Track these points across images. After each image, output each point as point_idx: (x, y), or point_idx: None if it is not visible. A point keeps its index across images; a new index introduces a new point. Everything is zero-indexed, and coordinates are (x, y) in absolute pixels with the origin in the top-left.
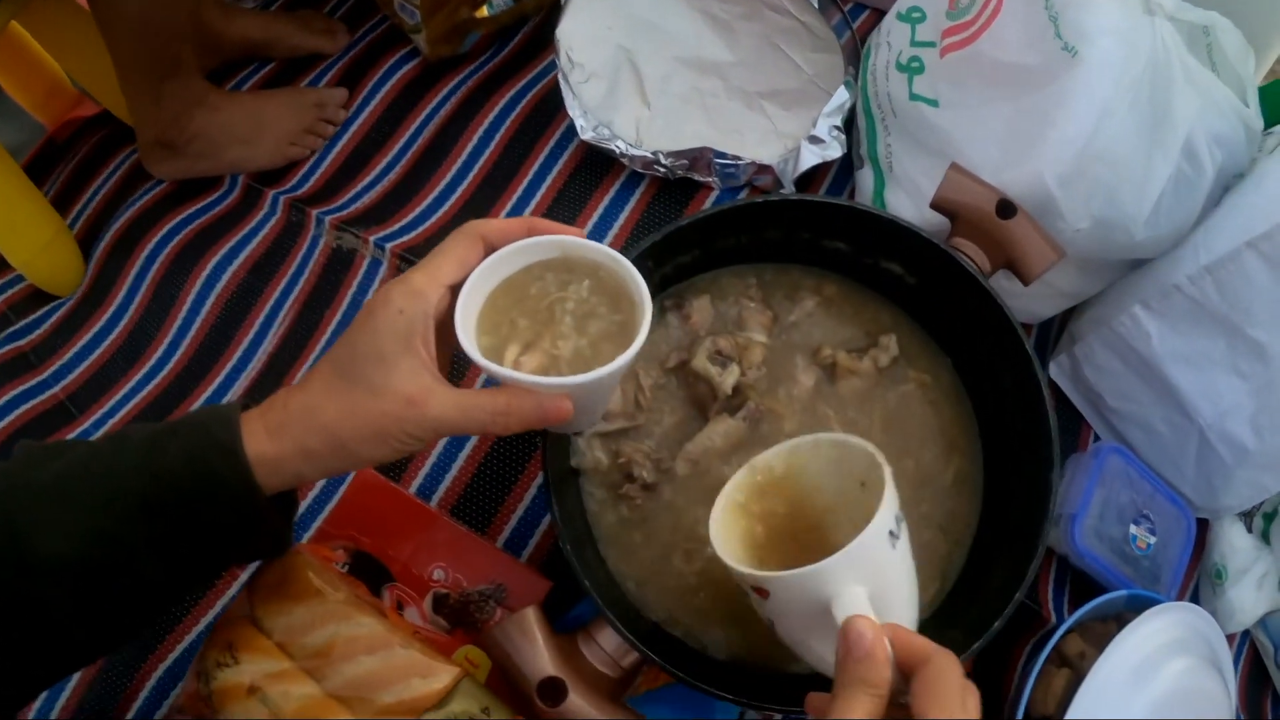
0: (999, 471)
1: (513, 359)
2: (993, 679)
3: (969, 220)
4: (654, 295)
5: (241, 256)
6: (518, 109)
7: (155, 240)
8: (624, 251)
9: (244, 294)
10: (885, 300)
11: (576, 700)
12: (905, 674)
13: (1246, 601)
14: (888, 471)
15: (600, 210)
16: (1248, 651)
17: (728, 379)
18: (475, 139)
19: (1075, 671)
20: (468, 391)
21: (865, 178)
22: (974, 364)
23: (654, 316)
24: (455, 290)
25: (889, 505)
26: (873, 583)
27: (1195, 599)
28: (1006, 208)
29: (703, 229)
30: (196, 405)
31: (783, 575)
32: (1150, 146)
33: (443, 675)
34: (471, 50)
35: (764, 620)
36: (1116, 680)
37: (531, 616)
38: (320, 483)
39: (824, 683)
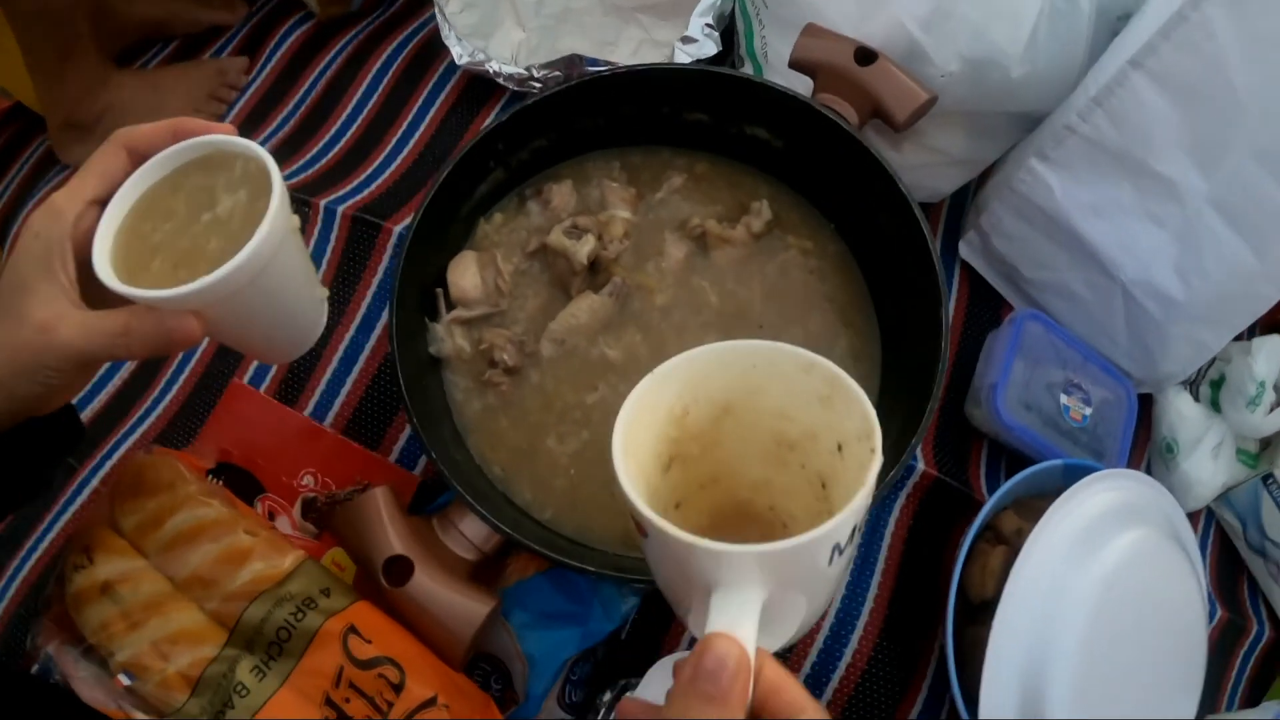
0: (895, 336)
1: (155, 275)
2: (934, 571)
3: (830, 75)
4: (514, 184)
5: None
6: (403, 55)
7: None
8: (469, 141)
9: None
10: (760, 172)
11: (423, 579)
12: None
13: (1204, 473)
14: (877, 444)
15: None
16: (1214, 535)
17: (582, 249)
18: (361, 89)
19: (1012, 548)
20: (96, 313)
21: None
22: (857, 225)
23: (514, 205)
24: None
25: (852, 512)
26: (778, 592)
27: None
28: (865, 54)
29: (551, 107)
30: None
31: (665, 528)
32: None
33: (285, 559)
34: (362, 7)
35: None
36: (1057, 551)
37: (379, 496)
38: (187, 391)
39: None
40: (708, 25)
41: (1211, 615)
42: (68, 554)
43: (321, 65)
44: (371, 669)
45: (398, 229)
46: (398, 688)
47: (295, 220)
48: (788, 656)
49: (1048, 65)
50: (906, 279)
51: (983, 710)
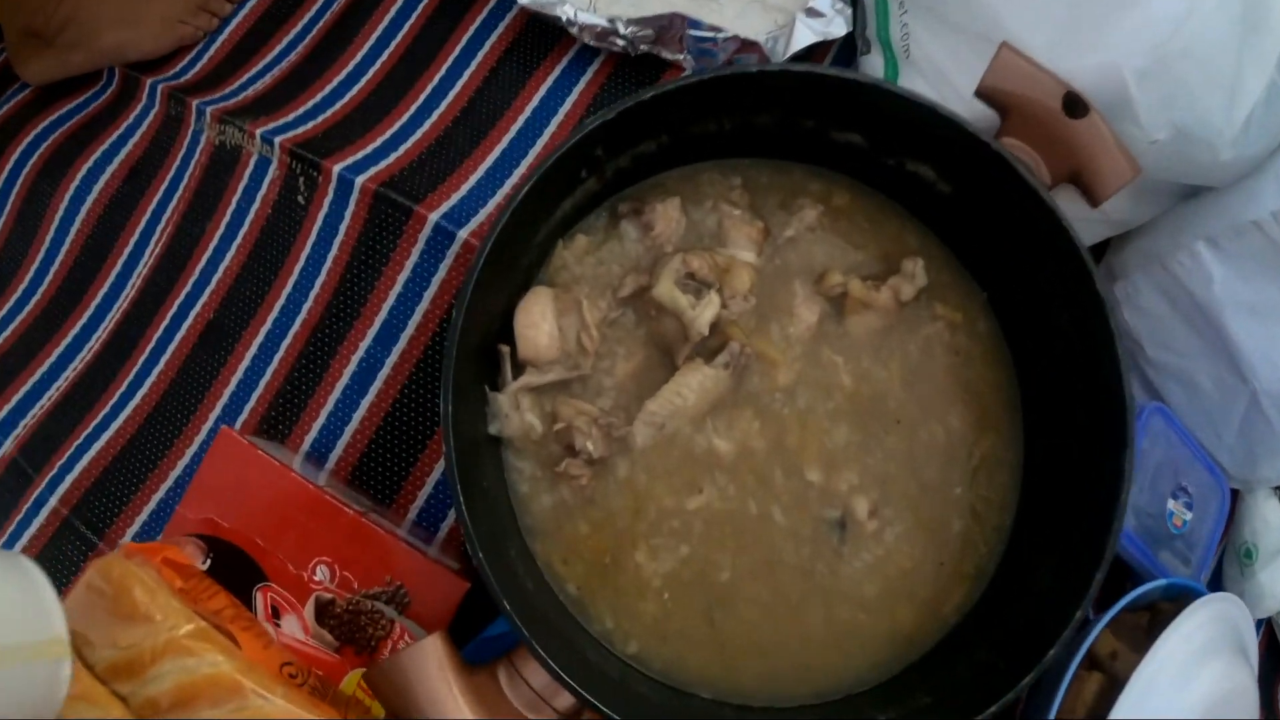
0: (1047, 445)
1: None
2: None
3: (1025, 116)
4: (606, 195)
5: (116, 161)
6: None
7: (21, 149)
8: (570, 134)
9: (118, 205)
10: (910, 215)
11: None
12: None
13: (1277, 586)
14: None
15: (541, 93)
16: (1263, 635)
17: (704, 313)
18: (390, 14)
19: (1108, 674)
20: None
21: (873, 64)
22: (1017, 303)
23: (602, 226)
24: None
25: None
26: None
27: (1217, 579)
28: (1076, 104)
29: (670, 106)
30: (66, 342)
31: None
32: (1241, 49)
33: None
34: None
35: None
36: (1160, 686)
37: (431, 654)
38: (182, 460)
39: None
40: None
41: None
42: None
43: None
44: None
45: (433, 216)
46: None
47: None
48: None
49: (1256, 151)
50: (1078, 408)
51: None
